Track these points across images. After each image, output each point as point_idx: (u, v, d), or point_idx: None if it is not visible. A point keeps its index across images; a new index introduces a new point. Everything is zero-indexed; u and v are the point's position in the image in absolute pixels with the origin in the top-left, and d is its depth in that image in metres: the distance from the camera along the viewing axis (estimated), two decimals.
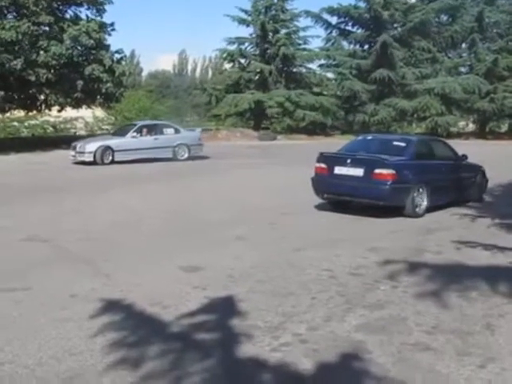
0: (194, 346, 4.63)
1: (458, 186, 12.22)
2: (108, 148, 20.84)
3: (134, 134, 21.81)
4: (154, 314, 5.27)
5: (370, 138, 13.43)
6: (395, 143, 11.85)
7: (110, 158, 20.68)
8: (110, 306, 5.46)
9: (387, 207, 10.73)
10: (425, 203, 10.90)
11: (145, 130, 22.20)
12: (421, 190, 10.79)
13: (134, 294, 5.77)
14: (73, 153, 20.94)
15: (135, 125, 23.17)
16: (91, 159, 20.42)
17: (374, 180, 10.45)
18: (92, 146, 20.79)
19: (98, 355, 4.39)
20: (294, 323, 5.07)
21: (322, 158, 11.45)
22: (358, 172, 10.59)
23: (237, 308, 5.48)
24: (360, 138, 13.27)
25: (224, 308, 5.50)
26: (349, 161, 10.78)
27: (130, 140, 21.56)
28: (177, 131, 22.97)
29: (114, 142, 21.50)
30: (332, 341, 4.70)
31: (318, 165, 11.41)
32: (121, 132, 23.56)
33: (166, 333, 4.88)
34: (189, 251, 7.79)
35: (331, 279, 6.43)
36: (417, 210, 10.73)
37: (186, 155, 22.31)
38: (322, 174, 11.30)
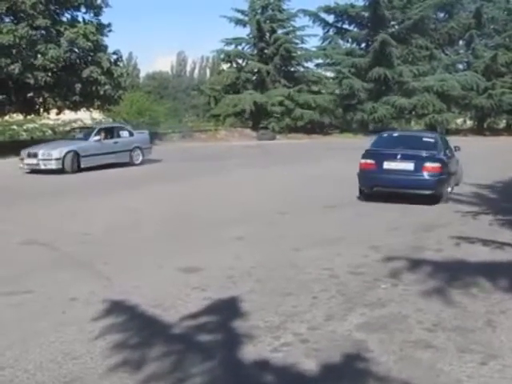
0: (194, 347, 4.61)
1: (457, 173, 13.96)
2: (75, 153, 18.98)
3: (97, 137, 20.19)
4: (154, 316, 5.26)
5: (396, 134, 14.58)
6: (425, 139, 13.07)
7: (76, 164, 18.92)
8: (111, 308, 5.45)
9: (421, 196, 11.89)
10: (449, 190, 12.68)
11: (103, 134, 20.76)
12: (450, 179, 12.67)
13: (134, 297, 5.76)
14: (29, 161, 18.84)
15: (94, 128, 21.69)
16: (59, 166, 18.55)
17: (424, 172, 11.87)
18: (58, 152, 18.76)
19: (99, 358, 4.38)
20: (294, 323, 5.05)
21: (369, 154, 12.48)
22: (409, 166, 11.90)
23: (237, 308, 5.46)
24: (385, 135, 14.14)
25: (224, 309, 5.48)
26: (398, 156, 12.00)
27: (93, 144, 19.94)
28: (131, 134, 21.83)
29: (79, 146, 19.51)
30: (333, 340, 4.68)
31: (363, 161, 12.36)
32: (81, 136, 21.54)
33: (166, 335, 4.86)
34: (188, 252, 7.78)
35: (332, 278, 6.41)
36: (446, 196, 12.33)
37: (141, 158, 21.52)
38: (369, 169, 12.29)
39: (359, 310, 5.36)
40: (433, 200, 11.93)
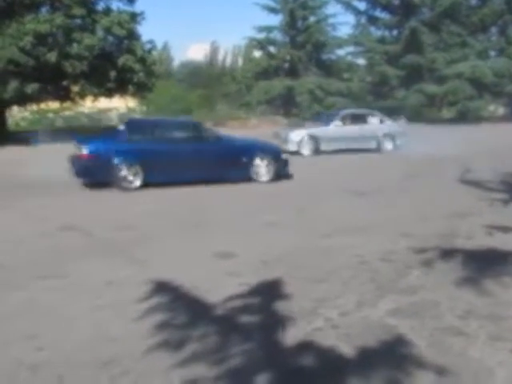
0: (233, 329, 4.71)
1: None
2: (313, 137, 20.53)
3: (338, 122, 21.41)
4: (190, 300, 5.37)
5: None
6: None
7: (314, 147, 20.33)
8: (146, 292, 5.58)
9: None
10: None
11: (348, 119, 21.81)
12: None
13: (170, 281, 5.88)
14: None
15: (337, 113, 22.70)
16: (295, 149, 19.96)
17: None
18: (296, 135, 20.56)
19: (136, 340, 4.50)
20: (326, 308, 5.12)
21: None
22: None
23: (270, 294, 5.55)
24: None
25: (258, 294, 5.57)
26: None
27: (334, 129, 21.15)
28: (381, 121, 22.38)
29: (318, 130, 21.01)
30: (364, 325, 4.75)
31: None
32: (322, 120, 23.01)
33: (203, 318, 4.95)
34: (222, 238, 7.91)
35: (362, 265, 6.47)
36: None
37: (390, 147, 21.65)
38: None
39: (390, 297, 5.41)
40: None
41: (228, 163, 13.36)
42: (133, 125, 13.73)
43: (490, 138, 24.45)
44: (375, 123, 21.98)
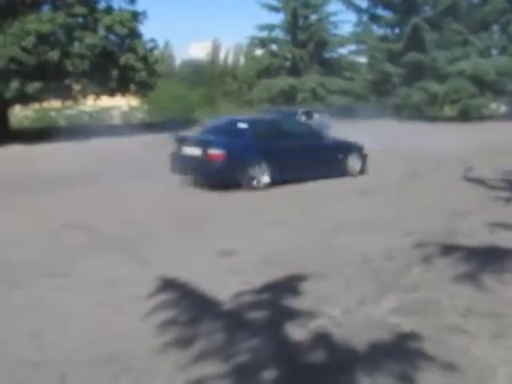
0: (236, 326, 4.73)
1: None
2: None
3: (302, 117, 23.82)
4: (192, 299, 5.38)
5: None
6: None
7: None
8: (149, 290, 5.58)
9: None
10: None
11: (304, 115, 24.47)
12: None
13: (172, 279, 5.89)
14: None
15: (298, 111, 25.66)
16: None
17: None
18: None
19: (138, 339, 4.51)
20: (329, 306, 5.13)
21: None
22: None
23: (273, 291, 5.56)
24: None
25: (261, 291, 5.57)
26: None
27: None
28: (310, 116, 24.74)
29: None
30: (367, 323, 4.77)
31: None
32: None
33: (203, 317, 4.95)
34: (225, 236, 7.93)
35: (365, 263, 6.48)
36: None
37: None
38: None
39: (392, 295, 5.42)
40: None
41: (332, 160, 13.92)
42: (256, 124, 13.68)
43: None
44: (316, 118, 24.82)
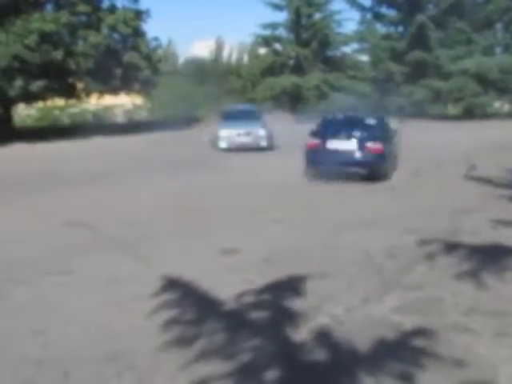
0: (238, 326, 4.72)
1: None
2: None
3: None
4: (193, 298, 5.38)
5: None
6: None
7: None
8: (150, 289, 5.59)
9: None
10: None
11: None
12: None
13: (174, 278, 5.89)
14: None
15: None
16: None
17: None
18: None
19: (139, 337, 4.52)
20: (331, 305, 5.13)
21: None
22: None
23: (275, 290, 5.56)
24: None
25: (262, 290, 5.57)
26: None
27: None
28: None
29: None
30: (369, 322, 4.76)
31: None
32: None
33: (204, 316, 4.96)
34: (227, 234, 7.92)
35: (367, 260, 6.48)
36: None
37: None
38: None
39: (395, 293, 5.42)
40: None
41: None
42: (381, 120, 14.37)
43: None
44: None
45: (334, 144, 13.00)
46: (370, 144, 12.73)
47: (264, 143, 20.10)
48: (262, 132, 20.21)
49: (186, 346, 4.36)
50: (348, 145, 12.87)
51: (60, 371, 4.01)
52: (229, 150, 19.75)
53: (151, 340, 4.45)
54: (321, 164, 13.00)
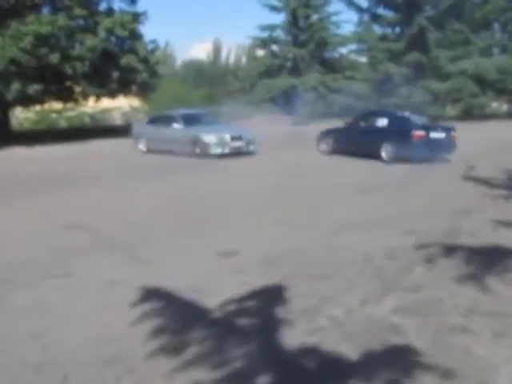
0: (231, 330, 4.71)
1: None
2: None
3: None
4: (192, 301, 5.34)
5: None
6: None
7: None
8: (149, 292, 5.57)
9: None
10: None
11: None
12: None
13: (172, 280, 5.86)
14: None
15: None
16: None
17: None
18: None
19: (138, 341, 4.49)
20: (330, 306, 5.12)
21: None
22: None
23: (274, 292, 5.55)
24: None
25: (261, 293, 5.56)
26: None
27: None
28: None
29: None
30: (368, 324, 4.75)
31: None
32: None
33: (204, 319, 4.95)
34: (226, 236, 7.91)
35: (367, 262, 6.47)
36: None
37: None
38: None
39: (394, 294, 5.41)
40: None
41: None
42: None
43: None
44: None
45: (432, 135, 16.64)
46: (453, 133, 17.10)
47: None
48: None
49: (179, 350, 4.34)
50: (440, 135, 16.89)
51: (59, 375, 3.99)
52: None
53: (148, 343, 4.44)
54: (427, 151, 16.17)
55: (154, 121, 21.92)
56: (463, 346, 4.31)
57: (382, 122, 17.75)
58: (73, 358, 4.25)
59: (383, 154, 17.08)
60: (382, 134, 17.27)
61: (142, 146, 21.30)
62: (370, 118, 18.77)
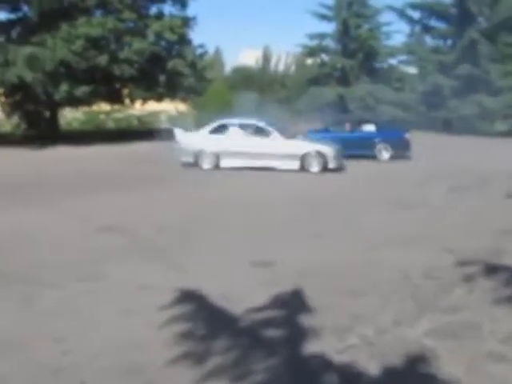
0: (259, 342, 4.60)
1: None
2: None
3: None
4: (222, 309, 5.27)
5: None
6: None
7: None
8: (180, 298, 5.51)
9: None
10: None
11: None
12: None
13: (204, 287, 5.78)
14: None
15: None
16: None
17: None
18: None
19: (162, 348, 4.41)
20: (362, 324, 4.93)
21: None
22: None
23: (305, 306, 5.40)
24: None
25: (292, 305, 5.43)
26: None
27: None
28: None
29: None
30: (400, 345, 4.54)
31: None
32: None
33: (231, 328, 4.87)
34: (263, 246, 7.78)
35: (404, 280, 6.24)
36: None
37: None
38: None
39: (430, 316, 5.18)
40: None
41: None
42: None
43: None
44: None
45: None
46: None
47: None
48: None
49: (201, 358, 4.25)
50: None
51: (76, 381, 3.92)
52: None
53: (170, 351, 4.34)
54: None
55: (219, 130, 18.05)
56: (500, 375, 4.07)
57: None
58: (92, 363, 4.18)
59: None
60: None
61: (206, 165, 17.34)
62: None
